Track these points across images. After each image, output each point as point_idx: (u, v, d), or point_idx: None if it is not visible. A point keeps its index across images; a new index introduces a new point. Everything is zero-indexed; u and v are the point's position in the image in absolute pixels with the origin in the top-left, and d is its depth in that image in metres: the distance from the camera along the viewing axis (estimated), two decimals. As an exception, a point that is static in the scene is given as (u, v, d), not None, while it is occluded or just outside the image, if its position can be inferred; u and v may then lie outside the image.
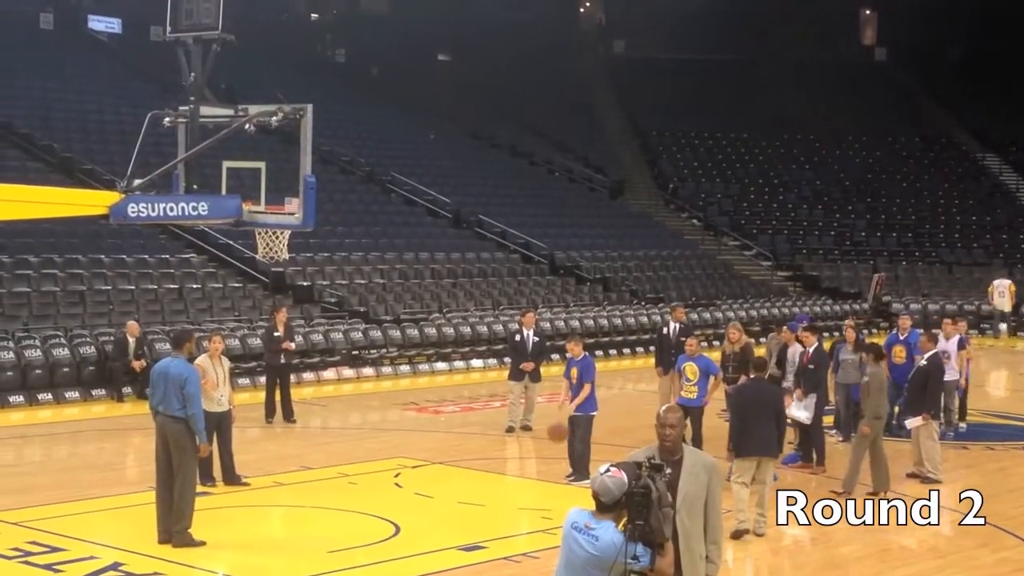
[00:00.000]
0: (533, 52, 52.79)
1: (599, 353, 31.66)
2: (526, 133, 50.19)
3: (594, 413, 17.26)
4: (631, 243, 41.48)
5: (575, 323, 32.08)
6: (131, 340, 23.58)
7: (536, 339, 21.28)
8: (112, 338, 24.28)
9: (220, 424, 15.73)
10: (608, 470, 7.42)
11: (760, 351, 19.62)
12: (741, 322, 24.08)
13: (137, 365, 23.36)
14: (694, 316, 34.83)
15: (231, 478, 16.04)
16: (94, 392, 23.62)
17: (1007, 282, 39.37)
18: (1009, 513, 15.64)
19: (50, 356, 23.46)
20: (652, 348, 30.87)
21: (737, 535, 14.01)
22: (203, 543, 13.19)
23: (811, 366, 17.92)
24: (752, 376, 15.19)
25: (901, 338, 20.75)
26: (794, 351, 18.57)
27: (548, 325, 29.88)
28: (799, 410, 17.66)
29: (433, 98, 49.50)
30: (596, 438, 17.86)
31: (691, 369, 18.06)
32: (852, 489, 16.31)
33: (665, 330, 22.14)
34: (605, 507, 7.37)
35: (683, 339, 21.29)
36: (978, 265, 45.20)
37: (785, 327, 19.66)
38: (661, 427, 8.33)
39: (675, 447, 8.33)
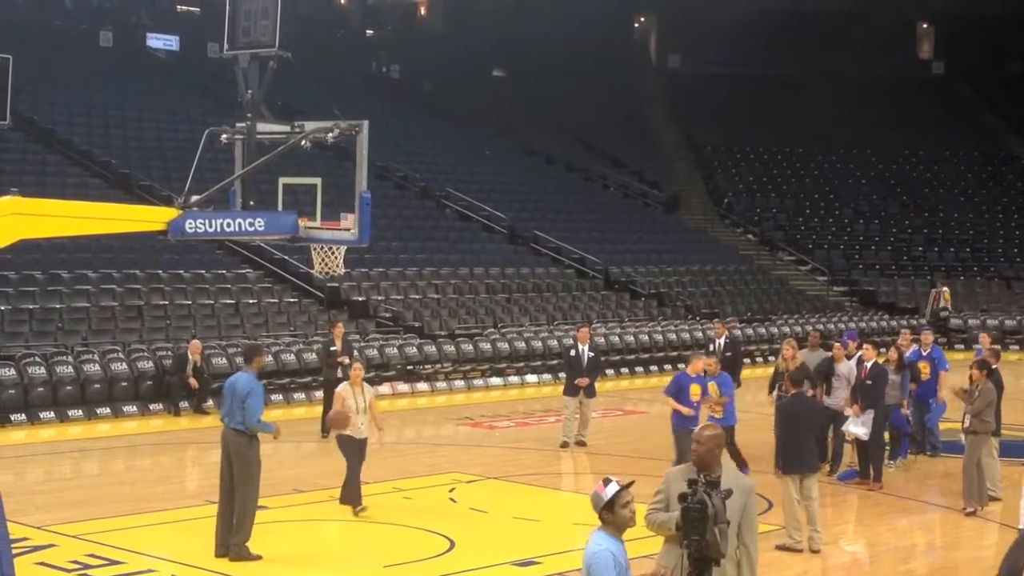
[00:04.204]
0: (587, 67, 52.75)
1: (653, 368, 31.65)
2: (580, 148, 50.17)
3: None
4: (686, 258, 41.34)
5: (630, 338, 32.04)
6: (191, 358, 23.77)
7: (591, 354, 21.23)
8: (169, 353, 24.51)
9: (361, 450, 15.67)
10: (599, 482, 7.49)
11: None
12: (796, 338, 23.97)
13: (192, 382, 23.57)
14: (749, 331, 34.69)
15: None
16: (152, 406, 23.81)
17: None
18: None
19: (108, 370, 23.67)
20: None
21: (785, 549, 13.93)
22: (259, 557, 13.26)
23: (869, 381, 17.76)
24: (793, 391, 15.03)
25: (924, 353, 20.25)
26: (849, 367, 18.40)
27: (603, 340, 29.83)
28: (857, 426, 17.53)
29: (488, 113, 49.59)
30: (649, 451, 17.87)
31: (712, 388, 17.86)
32: (983, 503, 16.22)
33: (711, 347, 22.14)
34: (600, 519, 7.48)
35: (728, 354, 21.29)
36: (1038, 280, 44.71)
37: (838, 344, 19.44)
38: (693, 442, 8.41)
39: (707, 465, 8.31)
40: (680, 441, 16.74)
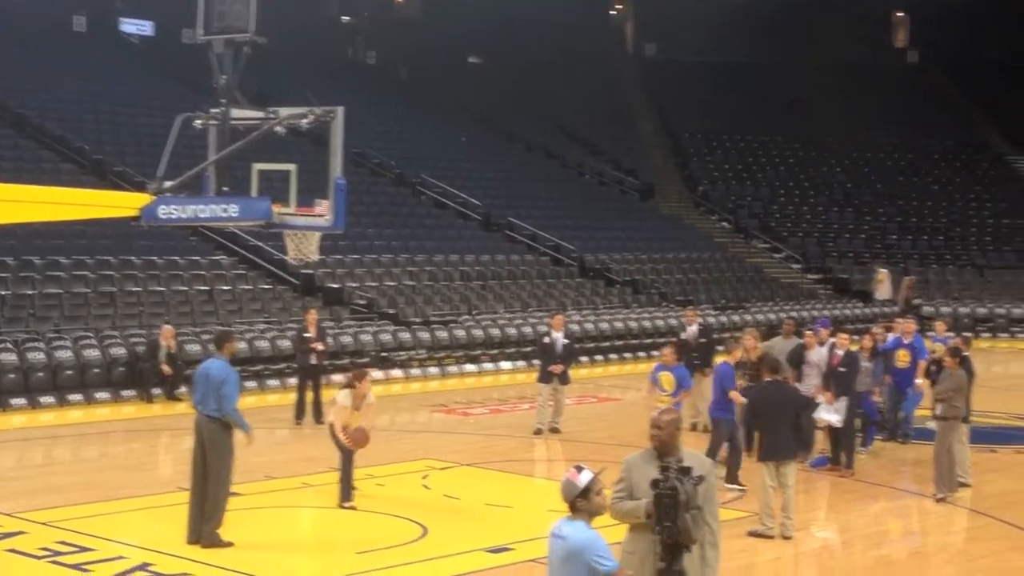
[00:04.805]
0: (565, 55, 52.74)
1: (627, 355, 31.71)
2: (557, 135, 50.16)
3: None
4: (661, 245, 41.40)
5: (604, 325, 32.08)
6: (164, 345, 23.68)
7: (565, 341, 21.26)
8: (143, 339, 24.43)
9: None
10: (571, 469, 7.50)
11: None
12: (770, 325, 24.06)
13: (165, 369, 23.48)
14: (723, 319, 34.74)
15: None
16: (124, 393, 23.73)
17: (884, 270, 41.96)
18: (1041, 517, 15.59)
19: (81, 357, 23.59)
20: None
21: (757, 535, 13.99)
22: (231, 544, 13.23)
23: (842, 369, 17.83)
24: (768, 379, 15.02)
25: (906, 342, 20.37)
26: (821, 354, 18.44)
27: (577, 327, 29.86)
28: (829, 413, 17.61)
29: (464, 100, 49.53)
30: (624, 438, 17.90)
31: (667, 379, 17.81)
32: (953, 489, 16.35)
33: (683, 334, 22.17)
34: (571, 507, 7.42)
35: (703, 340, 21.35)
36: (1009, 268, 44.86)
37: (810, 331, 19.49)
38: (650, 427, 8.44)
39: (667, 449, 8.37)
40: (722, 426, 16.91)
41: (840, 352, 18.05)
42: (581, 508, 7.41)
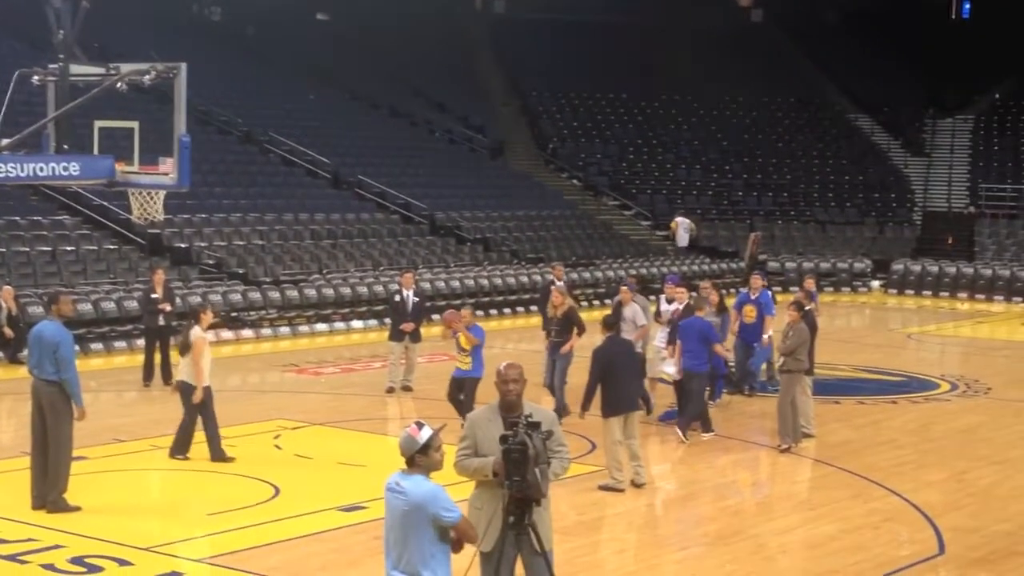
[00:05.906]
0: (413, 12, 52.43)
1: (479, 313, 31.77)
2: (406, 93, 49.91)
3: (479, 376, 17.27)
4: (511, 203, 41.51)
5: (455, 283, 32.13)
6: (4, 307, 23.10)
7: (416, 299, 21.31)
8: (-18, 302, 23.80)
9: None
10: (412, 425, 7.57)
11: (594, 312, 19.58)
12: (620, 282, 24.30)
13: (7, 332, 22.90)
14: (574, 276, 35.03)
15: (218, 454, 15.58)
16: (-37, 357, 23.16)
17: (687, 220, 43.18)
18: (879, 465, 16.08)
19: (-82, 321, 22.93)
20: (533, 308, 31.22)
21: (607, 489, 14.19)
22: (78, 508, 13.03)
23: (681, 322, 18.09)
24: (608, 335, 15.11)
25: (752, 297, 20.72)
26: (633, 309, 18.56)
27: (428, 285, 29.88)
28: (668, 366, 17.91)
29: (311, 58, 49.01)
30: (479, 395, 17.98)
31: (464, 339, 17.88)
32: (797, 439, 16.79)
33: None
34: (408, 462, 7.49)
35: None
36: (850, 224, 46.09)
37: (624, 287, 19.74)
38: (503, 383, 8.53)
39: (517, 404, 8.48)
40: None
41: (679, 306, 18.35)
42: (419, 463, 7.50)
